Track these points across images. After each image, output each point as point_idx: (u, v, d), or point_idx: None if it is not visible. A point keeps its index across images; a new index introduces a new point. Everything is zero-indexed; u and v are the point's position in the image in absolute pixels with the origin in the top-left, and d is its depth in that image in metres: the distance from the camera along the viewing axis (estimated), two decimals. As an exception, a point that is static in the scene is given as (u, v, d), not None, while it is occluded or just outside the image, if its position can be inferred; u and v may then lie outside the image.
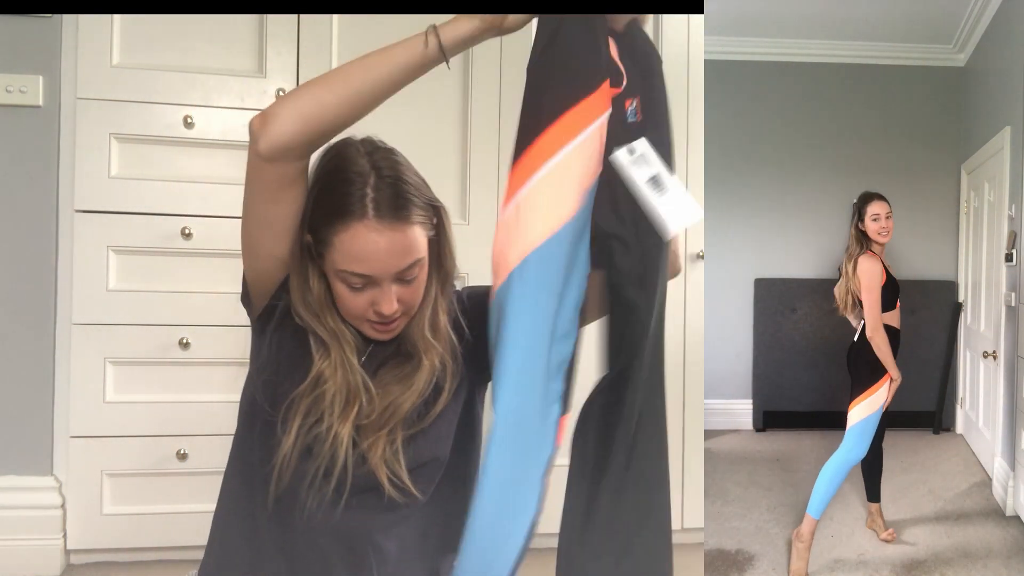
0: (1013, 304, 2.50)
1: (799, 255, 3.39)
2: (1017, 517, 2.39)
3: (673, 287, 2.61)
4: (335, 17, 2.26)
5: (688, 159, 2.45)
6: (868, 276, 2.11)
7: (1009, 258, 2.54)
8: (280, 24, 2.23)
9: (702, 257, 2.44)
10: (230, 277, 2.32)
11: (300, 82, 2.23)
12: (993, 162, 2.85)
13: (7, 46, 2.13)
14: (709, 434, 3.29)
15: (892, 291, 2.17)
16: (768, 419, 3.42)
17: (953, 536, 2.29)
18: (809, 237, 3.37)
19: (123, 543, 2.18)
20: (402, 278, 1.01)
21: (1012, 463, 2.45)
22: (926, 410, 3.37)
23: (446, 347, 1.09)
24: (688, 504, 2.38)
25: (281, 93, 2.21)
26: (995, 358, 2.68)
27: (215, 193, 2.20)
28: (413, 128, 2.30)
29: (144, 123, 2.17)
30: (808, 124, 3.45)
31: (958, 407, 3.37)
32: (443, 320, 1.09)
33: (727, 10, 3.08)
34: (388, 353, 1.10)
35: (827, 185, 3.37)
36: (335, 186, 1.00)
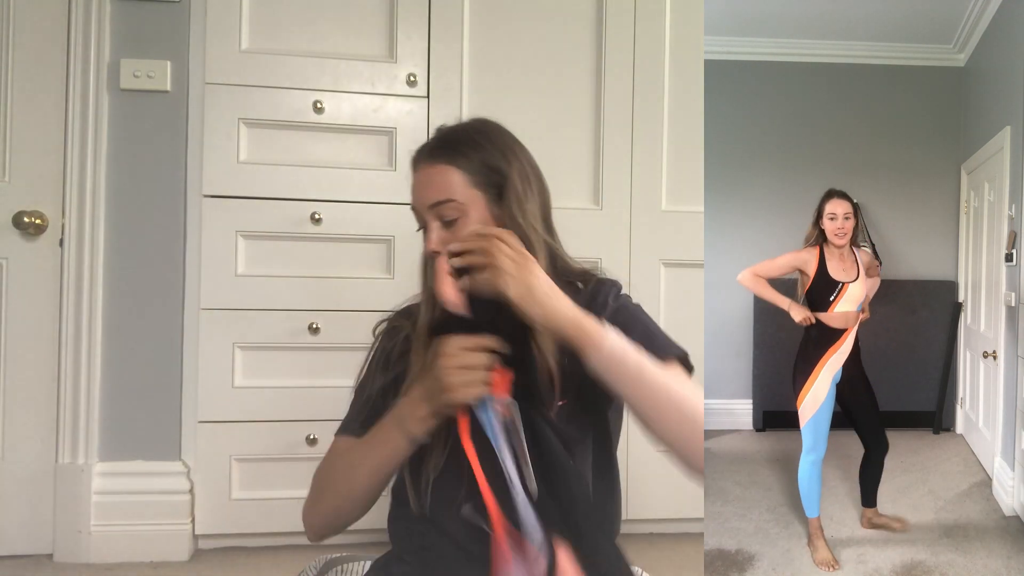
0: (1013, 304, 2.50)
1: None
2: (1017, 517, 2.39)
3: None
4: (466, 0, 2.28)
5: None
6: (787, 257, 2.14)
7: (1009, 258, 2.54)
8: (411, 8, 2.24)
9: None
10: (360, 262, 2.32)
11: (431, 68, 2.24)
12: (993, 162, 2.85)
13: (135, 31, 2.16)
14: (709, 434, 3.29)
15: (824, 289, 2.11)
16: (768, 419, 3.42)
17: (953, 536, 2.28)
18: (809, 237, 3.37)
19: (251, 528, 2.18)
20: (439, 216, 1.08)
21: (1012, 463, 2.45)
22: (926, 410, 3.36)
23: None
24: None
25: (412, 79, 2.21)
26: (995, 358, 2.68)
27: (345, 178, 2.20)
28: (545, 116, 2.33)
29: (273, 108, 2.18)
30: (808, 124, 3.45)
31: (958, 407, 3.36)
32: None
33: (727, 10, 3.08)
34: None
35: (827, 185, 3.33)
36: None
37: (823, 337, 2.13)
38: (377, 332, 1.19)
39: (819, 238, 2.15)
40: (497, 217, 1.08)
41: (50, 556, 2.15)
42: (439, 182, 1.08)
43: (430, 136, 1.14)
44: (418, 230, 1.12)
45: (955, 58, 3.43)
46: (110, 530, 2.14)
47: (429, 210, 1.08)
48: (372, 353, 1.18)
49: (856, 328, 2.15)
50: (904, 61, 3.44)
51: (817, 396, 2.11)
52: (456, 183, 1.07)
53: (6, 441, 2.18)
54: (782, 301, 2.15)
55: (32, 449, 2.18)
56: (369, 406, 1.13)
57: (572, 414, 1.05)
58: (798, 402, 2.14)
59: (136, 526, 2.14)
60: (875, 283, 2.24)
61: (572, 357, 0.99)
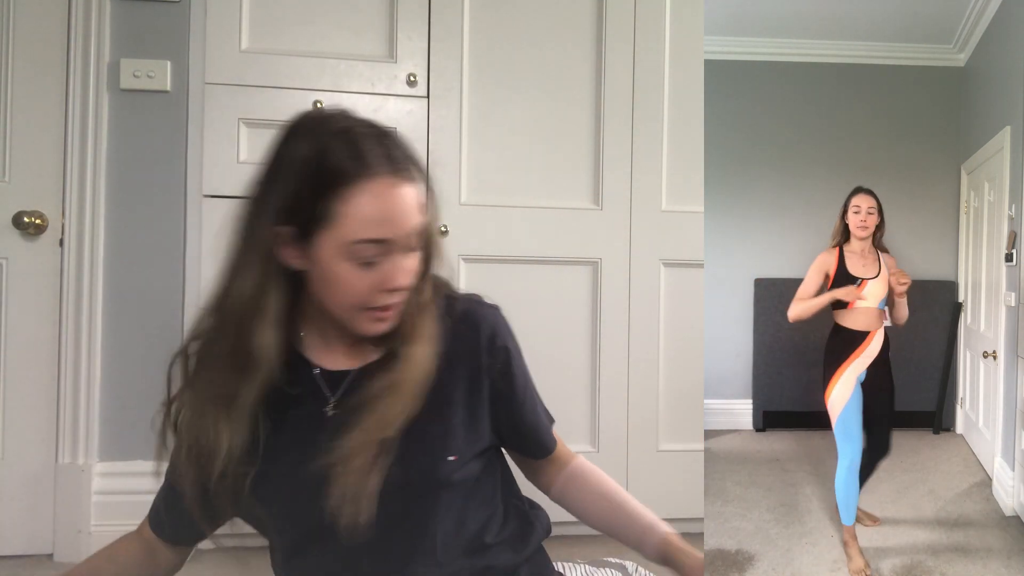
0: (1013, 304, 2.50)
1: (799, 255, 3.38)
2: (1017, 517, 2.39)
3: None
4: (466, 0, 2.28)
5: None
6: (813, 265, 2.12)
7: (1009, 258, 2.54)
8: (411, 8, 2.25)
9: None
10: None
11: (431, 68, 2.24)
12: (993, 162, 2.85)
13: (135, 31, 2.16)
14: (709, 434, 3.29)
15: (844, 286, 2.08)
16: (768, 419, 3.42)
17: (953, 536, 2.28)
18: (809, 237, 3.36)
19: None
20: (415, 243, 0.95)
21: (1012, 463, 2.45)
22: (926, 410, 3.37)
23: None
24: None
25: (412, 79, 2.22)
26: (995, 358, 2.68)
27: (345, 179, 2.21)
28: (545, 116, 2.32)
29: (273, 108, 2.18)
30: (808, 124, 3.45)
31: (958, 407, 3.36)
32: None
33: (727, 10, 3.08)
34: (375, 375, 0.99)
35: (827, 185, 3.36)
36: (333, 149, 0.92)
37: (847, 341, 2.08)
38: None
39: (843, 236, 2.15)
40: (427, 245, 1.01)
41: (50, 556, 2.14)
42: (421, 201, 0.96)
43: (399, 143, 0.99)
44: (376, 259, 0.93)
45: (955, 58, 3.43)
46: (110, 530, 2.14)
47: (415, 235, 0.95)
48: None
49: (882, 330, 2.11)
50: (904, 61, 3.44)
51: (842, 396, 2.05)
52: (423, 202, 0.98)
53: (6, 441, 2.18)
54: (824, 299, 2.07)
55: (32, 449, 2.17)
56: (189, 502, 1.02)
57: (465, 463, 1.02)
58: (825, 400, 2.09)
59: (136, 526, 2.13)
60: (902, 304, 2.14)
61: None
